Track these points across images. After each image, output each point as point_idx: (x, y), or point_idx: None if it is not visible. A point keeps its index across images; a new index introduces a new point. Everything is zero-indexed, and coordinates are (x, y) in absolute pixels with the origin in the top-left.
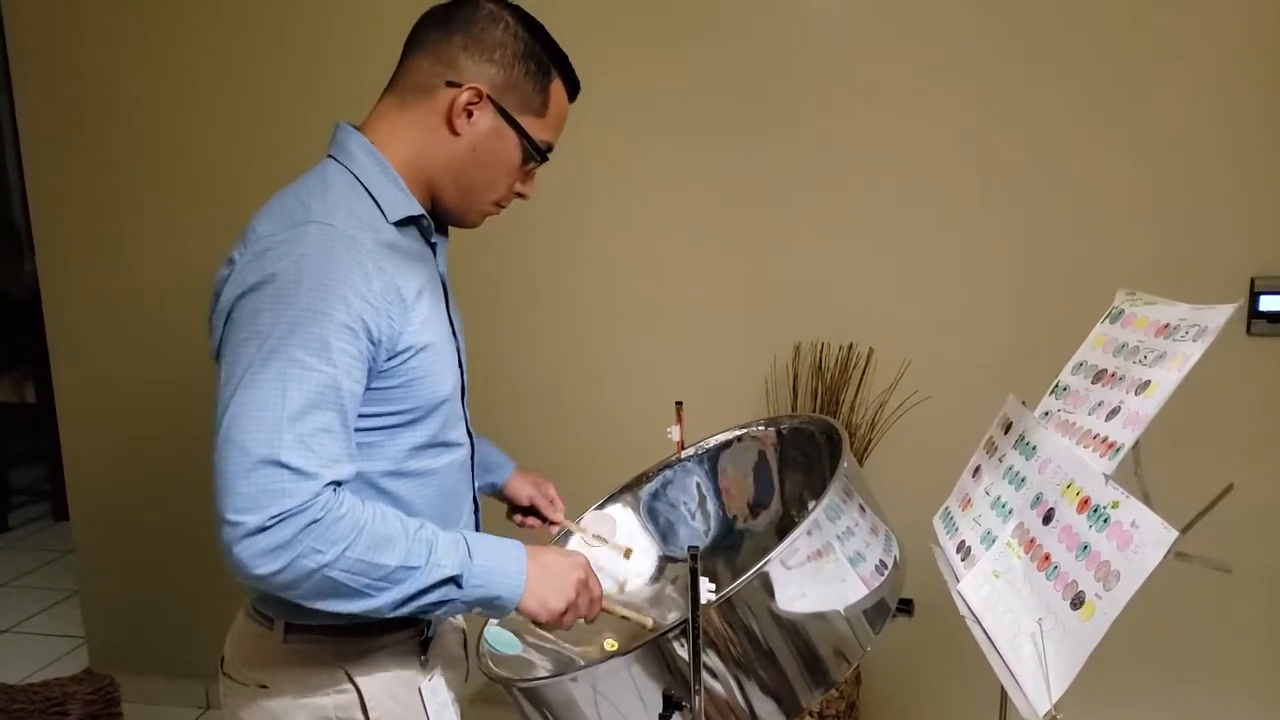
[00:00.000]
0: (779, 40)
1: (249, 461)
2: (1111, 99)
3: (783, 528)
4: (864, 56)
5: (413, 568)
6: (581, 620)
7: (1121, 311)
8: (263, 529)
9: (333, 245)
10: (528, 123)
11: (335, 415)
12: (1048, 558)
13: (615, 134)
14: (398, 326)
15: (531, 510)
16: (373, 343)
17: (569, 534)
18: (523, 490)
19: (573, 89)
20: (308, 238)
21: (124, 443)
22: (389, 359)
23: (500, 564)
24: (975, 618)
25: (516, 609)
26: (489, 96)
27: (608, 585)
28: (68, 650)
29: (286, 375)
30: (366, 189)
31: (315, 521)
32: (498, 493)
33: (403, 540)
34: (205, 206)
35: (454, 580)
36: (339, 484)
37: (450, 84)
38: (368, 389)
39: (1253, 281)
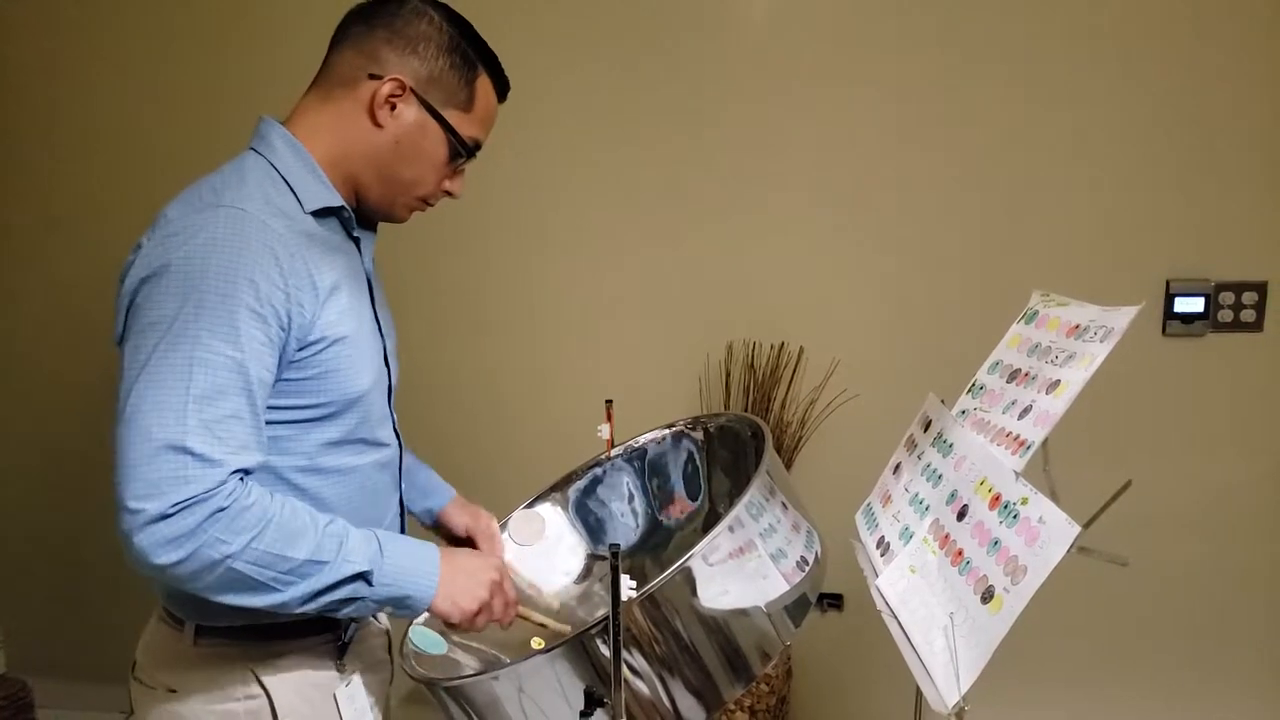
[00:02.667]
0: (714, 44)
1: (151, 447)
2: (1032, 104)
3: (709, 525)
4: (796, 62)
5: (321, 562)
6: (498, 625)
7: (1036, 313)
8: (164, 516)
9: (243, 229)
10: (453, 117)
11: (243, 401)
12: (961, 553)
13: (550, 136)
14: (309, 315)
15: (467, 542)
16: (283, 329)
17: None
18: (460, 520)
19: (501, 88)
20: (217, 221)
21: (34, 444)
22: (300, 349)
23: (412, 564)
24: (892, 612)
25: (428, 609)
26: (412, 89)
27: (534, 586)
28: None
29: (192, 360)
30: (284, 179)
31: (221, 510)
32: (434, 521)
33: (312, 533)
34: (117, 208)
35: (363, 577)
36: (246, 473)
37: (373, 76)
38: (280, 380)
39: (1168, 284)
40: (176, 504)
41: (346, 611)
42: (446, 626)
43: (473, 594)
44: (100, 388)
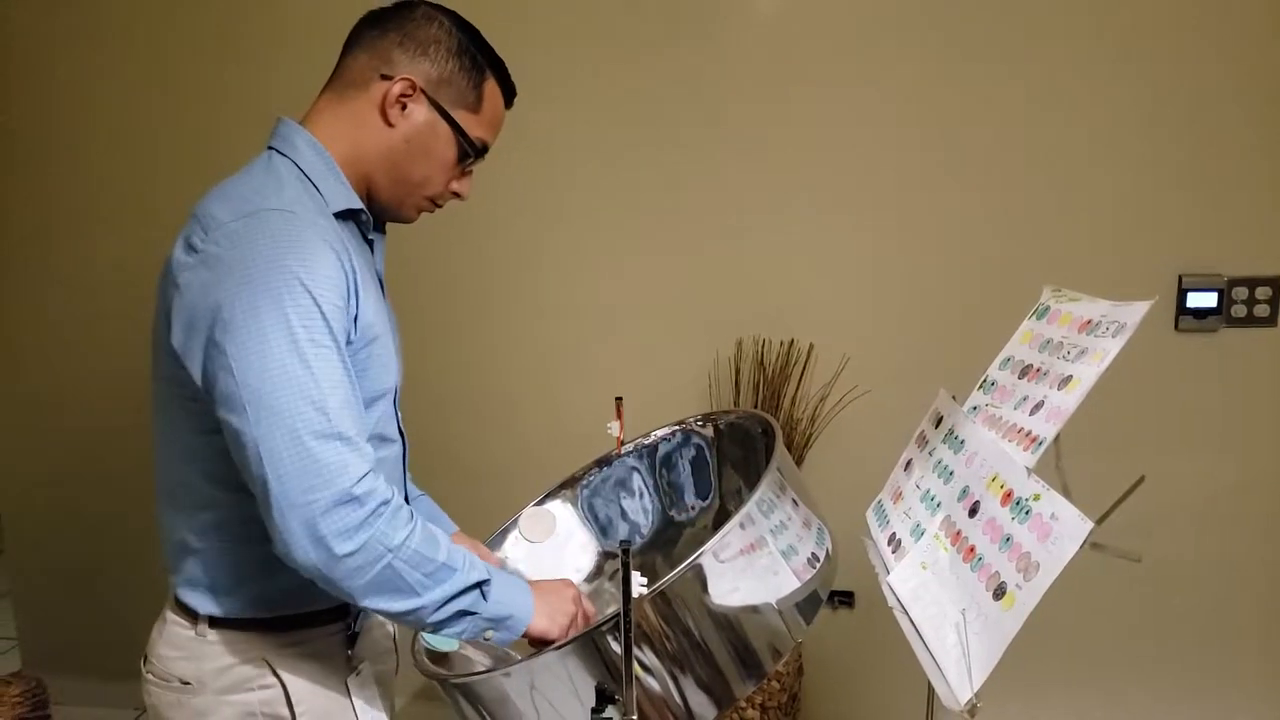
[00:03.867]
0: (723, 42)
1: (306, 442)
2: (1044, 99)
3: (719, 522)
4: (804, 58)
5: (453, 568)
6: None
7: (1047, 308)
8: (340, 503)
9: (302, 230)
10: (462, 118)
11: (351, 387)
12: (973, 549)
13: (558, 134)
14: (356, 309)
15: None
16: (351, 317)
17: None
18: None
19: (508, 93)
20: (276, 223)
21: (53, 442)
22: (347, 343)
23: (510, 582)
24: (903, 608)
25: (526, 630)
26: (423, 90)
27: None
28: (0, 652)
29: (305, 357)
30: (311, 181)
31: (385, 503)
32: None
33: (442, 539)
34: (137, 199)
35: (481, 587)
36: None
37: (384, 77)
38: None
39: (1180, 279)
40: (349, 488)
41: (454, 629)
42: (531, 644)
43: (566, 612)
44: (116, 385)
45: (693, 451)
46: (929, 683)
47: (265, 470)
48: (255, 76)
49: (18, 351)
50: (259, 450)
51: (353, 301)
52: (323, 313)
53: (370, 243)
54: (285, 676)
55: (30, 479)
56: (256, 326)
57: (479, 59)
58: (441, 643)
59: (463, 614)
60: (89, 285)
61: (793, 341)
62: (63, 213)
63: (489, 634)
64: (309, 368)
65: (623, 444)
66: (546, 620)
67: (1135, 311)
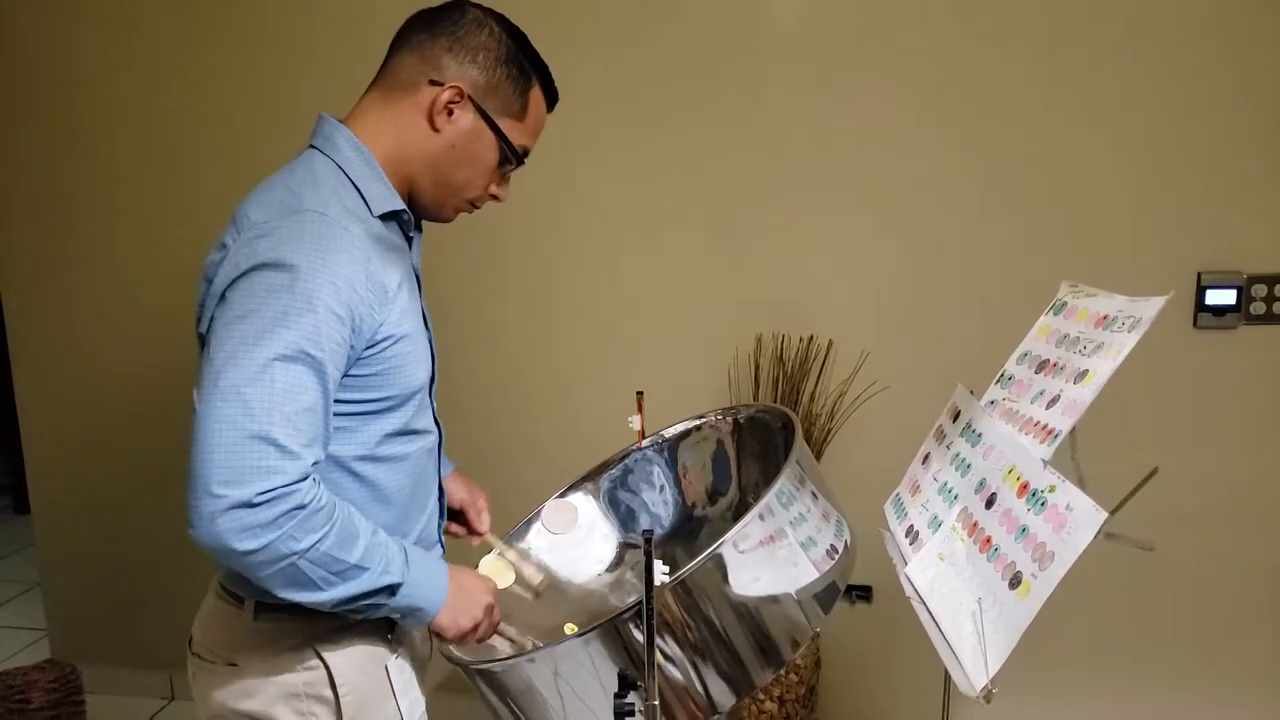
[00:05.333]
0: (744, 36)
1: (236, 435)
2: (1064, 96)
3: (739, 514)
4: (823, 55)
5: (365, 568)
6: (589, 585)
7: (1064, 304)
8: (248, 504)
9: (327, 234)
10: (506, 125)
11: (319, 397)
12: (989, 540)
13: (579, 129)
14: (379, 317)
15: (458, 515)
16: (354, 331)
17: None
18: (456, 493)
19: (552, 99)
20: (304, 225)
21: (85, 435)
22: (368, 348)
23: (429, 579)
24: (921, 599)
25: (429, 622)
26: (470, 97)
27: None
28: (30, 642)
29: (277, 356)
30: (353, 182)
31: (300, 508)
32: None
33: (362, 540)
34: (167, 196)
35: (390, 589)
36: (315, 466)
37: (433, 82)
38: (346, 375)
39: (1199, 276)
40: (261, 493)
41: (361, 615)
42: (437, 639)
43: (470, 614)
44: (149, 378)
45: (713, 445)
46: (945, 675)
47: (195, 448)
48: (282, 68)
49: (47, 345)
50: (198, 427)
51: (374, 310)
52: (317, 322)
53: (409, 240)
54: (329, 658)
55: (60, 471)
56: (246, 315)
57: (526, 66)
58: None
59: (369, 606)
60: (119, 280)
61: (812, 337)
62: (88, 208)
63: (395, 616)
64: (270, 368)
65: (644, 437)
66: (448, 619)
67: (1151, 306)
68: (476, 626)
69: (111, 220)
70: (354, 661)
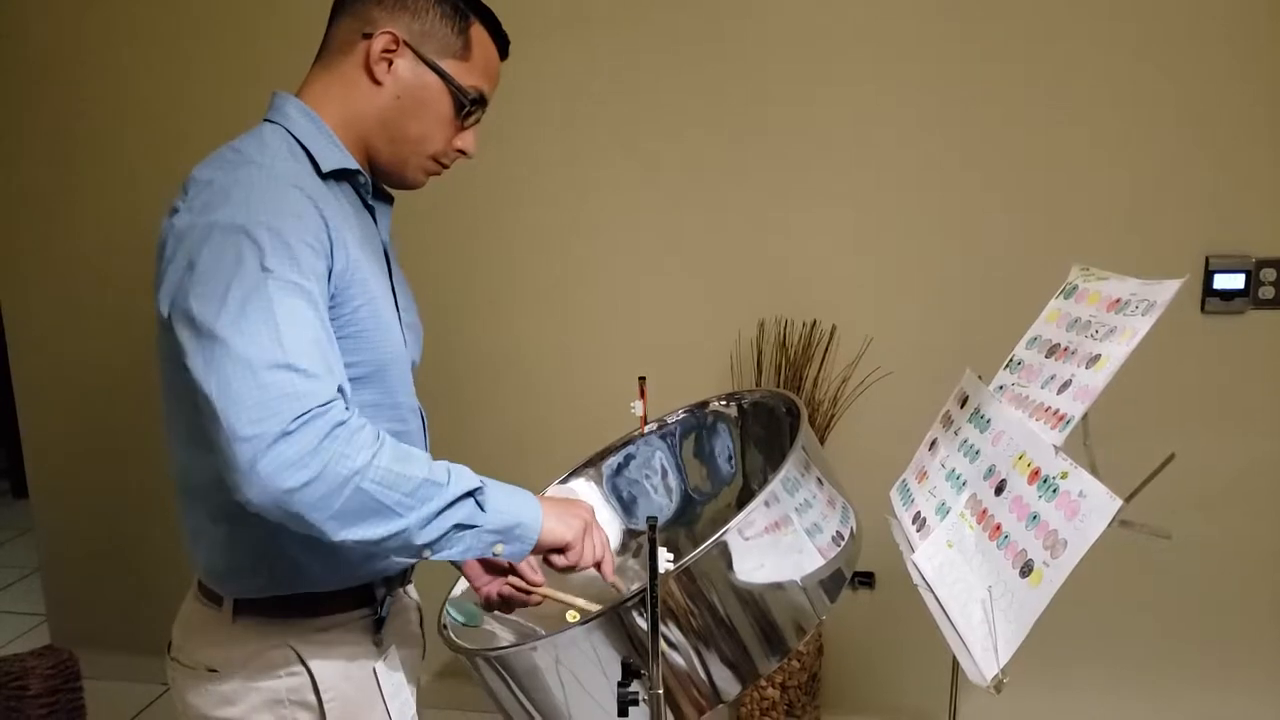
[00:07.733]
0: (744, 26)
1: (254, 371)
2: (1070, 80)
3: (743, 501)
4: (826, 41)
5: (437, 483)
6: (593, 570)
7: (1075, 287)
8: (286, 434)
9: (278, 180)
10: (450, 67)
11: (320, 327)
12: (999, 528)
13: (583, 114)
14: (341, 262)
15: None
16: (328, 261)
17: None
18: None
19: (500, 41)
20: (253, 175)
21: (83, 420)
22: (334, 296)
23: (512, 491)
24: (929, 586)
25: (539, 539)
26: (405, 42)
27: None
28: (29, 628)
29: (270, 294)
30: (301, 144)
31: (340, 424)
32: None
33: (420, 456)
34: (162, 189)
35: (475, 495)
36: (343, 392)
37: (366, 36)
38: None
39: (1207, 260)
40: (296, 418)
41: (455, 549)
42: (553, 566)
43: (578, 516)
44: (147, 363)
45: (716, 431)
46: (953, 661)
47: (214, 405)
48: (287, 67)
49: (45, 329)
50: (210, 385)
51: (344, 247)
52: (292, 253)
53: (371, 210)
54: (312, 664)
55: (58, 456)
56: (221, 262)
57: (461, 5)
58: (467, 617)
59: (461, 527)
60: (116, 265)
61: (815, 322)
62: (86, 192)
63: (499, 548)
64: (269, 300)
65: (646, 423)
66: (557, 523)
67: (1166, 290)
68: (580, 537)
69: (107, 215)
70: (338, 666)
